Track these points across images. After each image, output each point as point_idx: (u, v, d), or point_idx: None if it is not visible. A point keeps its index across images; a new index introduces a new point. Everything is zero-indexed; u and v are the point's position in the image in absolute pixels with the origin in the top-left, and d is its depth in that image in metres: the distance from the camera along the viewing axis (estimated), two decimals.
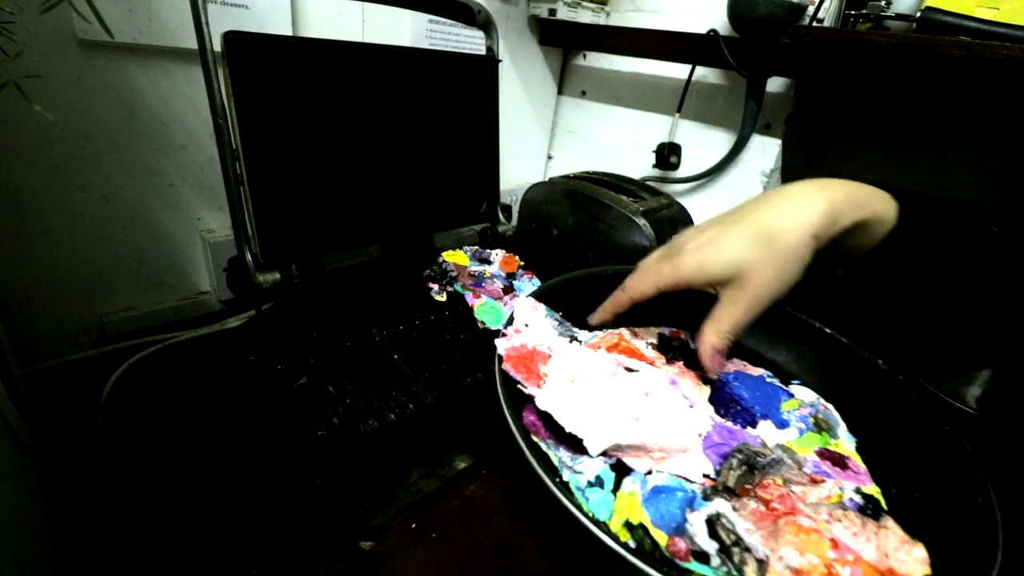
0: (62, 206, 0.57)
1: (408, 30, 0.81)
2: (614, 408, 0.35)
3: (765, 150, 0.89)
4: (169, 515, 0.43)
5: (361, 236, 0.64)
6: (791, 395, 0.45)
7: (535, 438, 0.35)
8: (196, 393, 0.56)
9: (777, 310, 0.47)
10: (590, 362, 0.39)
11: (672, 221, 0.73)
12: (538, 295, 0.46)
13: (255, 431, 0.51)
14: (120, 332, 0.65)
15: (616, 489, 0.34)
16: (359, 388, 0.45)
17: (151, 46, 0.57)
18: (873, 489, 0.36)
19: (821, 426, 0.41)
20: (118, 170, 0.60)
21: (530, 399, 0.37)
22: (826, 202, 0.32)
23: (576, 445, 0.34)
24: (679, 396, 0.38)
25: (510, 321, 0.43)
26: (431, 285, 0.62)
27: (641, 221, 0.68)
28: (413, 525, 0.44)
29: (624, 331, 0.45)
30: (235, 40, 0.48)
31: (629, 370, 0.40)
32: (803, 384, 0.46)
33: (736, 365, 0.47)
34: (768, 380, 0.46)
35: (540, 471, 0.30)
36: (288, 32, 0.67)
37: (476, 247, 0.71)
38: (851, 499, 0.34)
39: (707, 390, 0.41)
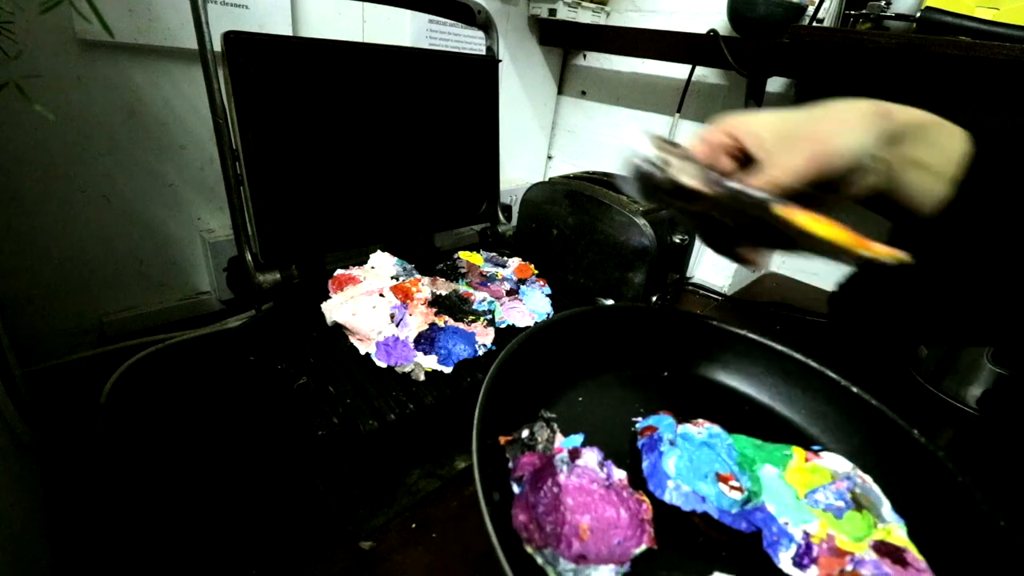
0: (62, 206, 0.57)
1: (408, 30, 0.81)
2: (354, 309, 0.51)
3: None
4: (169, 515, 0.43)
5: (361, 236, 0.64)
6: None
7: (528, 548, 0.29)
8: (196, 393, 0.56)
9: (799, 364, 0.43)
10: (366, 287, 0.55)
11: (672, 221, 0.73)
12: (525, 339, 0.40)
13: (255, 431, 0.51)
14: (120, 332, 0.65)
15: None
16: (359, 388, 0.45)
17: (151, 46, 0.57)
18: None
19: (862, 503, 0.35)
20: (118, 170, 0.60)
21: (520, 496, 0.32)
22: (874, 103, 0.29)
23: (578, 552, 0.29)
24: (390, 310, 0.52)
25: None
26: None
27: (641, 221, 0.68)
28: (413, 525, 0.44)
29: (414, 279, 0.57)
30: (235, 40, 0.48)
31: (382, 295, 0.54)
32: (826, 449, 0.40)
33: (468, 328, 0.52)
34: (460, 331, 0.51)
35: None
36: (288, 32, 0.67)
37: (495, 253, 0.71)
38: None
39: (426, 326, 0.52)
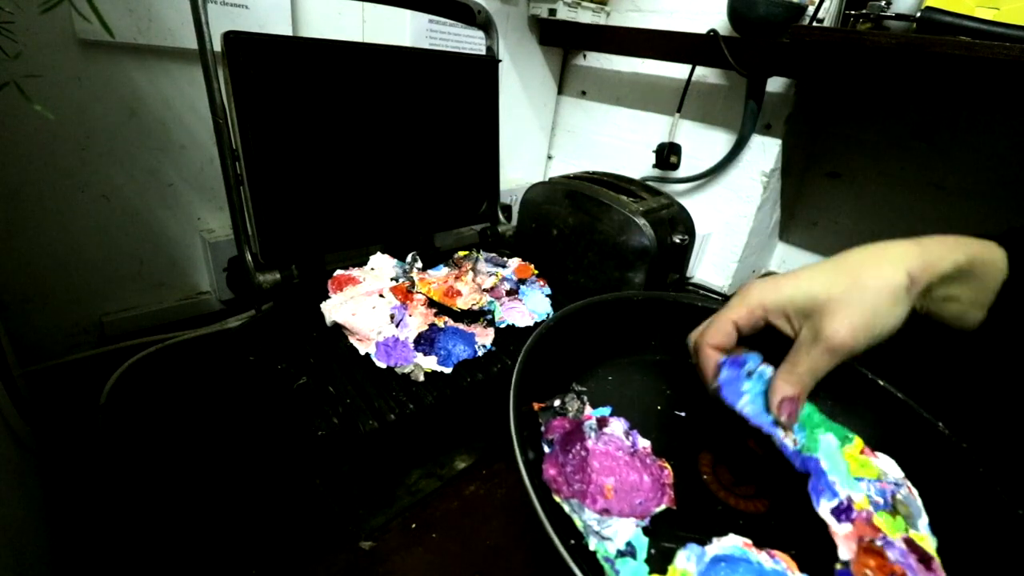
0: (63, 206, 0.57)
1: (408, 30, 0.81)
2: (353, 308, 0.51)
3: (765, 150, 0.89)
4: (169, 515, 0.43)
5: (361, 236, 0.64)
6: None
7: (556, 498, 0.31)
8: (196, 393, 0.56)
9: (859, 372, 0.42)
10: (366, 288, 0.55)
11: (672, 221, 0.73)
12: (556, 320, 0.42)
13: (255, 431, 0.51)
14: (120, 332, 0.65)
15: (653, 562, 0.29)
16: (359, 388, 0.45)
17: (151, 46, 0.57)
18: None
19: (899, 510, 0.35)
20: (118, 170, 0.60)
21: (551, 454, 0.33)
22: (916, 244, 0.30)
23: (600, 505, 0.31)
24: (389, 310, 0.52)
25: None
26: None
27: (641, 221, 0.68)
28: (413, 525, 0.44)
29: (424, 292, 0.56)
30: (235, 40, 0.48)
31: (382, 296, 0.54)
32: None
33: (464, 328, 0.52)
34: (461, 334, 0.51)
35: (562, 549, 0.25)
36: (288, 32, 0.67)
37: (494, 254, 0.71)
38: None
39: (425, 326, 0.52)
